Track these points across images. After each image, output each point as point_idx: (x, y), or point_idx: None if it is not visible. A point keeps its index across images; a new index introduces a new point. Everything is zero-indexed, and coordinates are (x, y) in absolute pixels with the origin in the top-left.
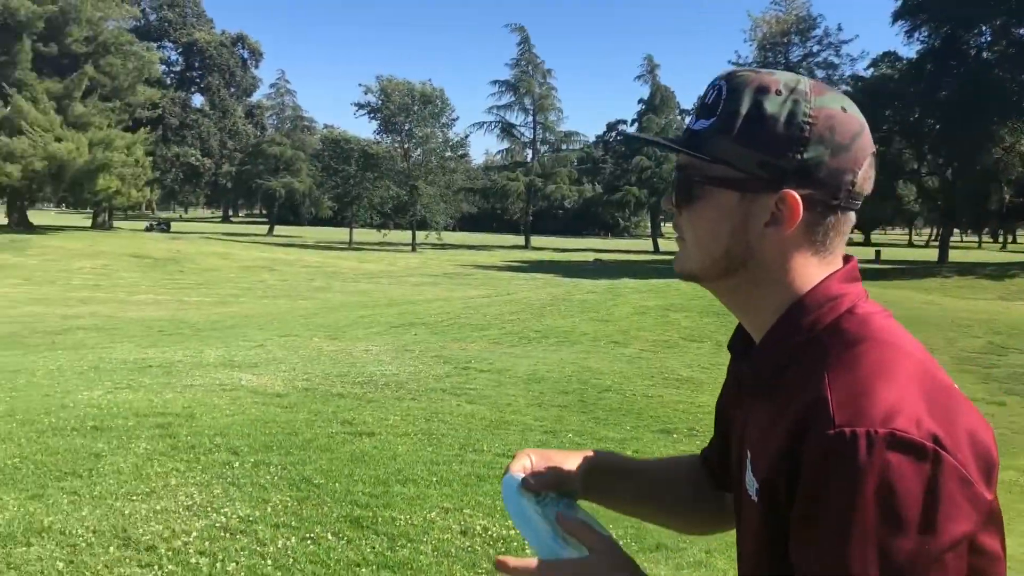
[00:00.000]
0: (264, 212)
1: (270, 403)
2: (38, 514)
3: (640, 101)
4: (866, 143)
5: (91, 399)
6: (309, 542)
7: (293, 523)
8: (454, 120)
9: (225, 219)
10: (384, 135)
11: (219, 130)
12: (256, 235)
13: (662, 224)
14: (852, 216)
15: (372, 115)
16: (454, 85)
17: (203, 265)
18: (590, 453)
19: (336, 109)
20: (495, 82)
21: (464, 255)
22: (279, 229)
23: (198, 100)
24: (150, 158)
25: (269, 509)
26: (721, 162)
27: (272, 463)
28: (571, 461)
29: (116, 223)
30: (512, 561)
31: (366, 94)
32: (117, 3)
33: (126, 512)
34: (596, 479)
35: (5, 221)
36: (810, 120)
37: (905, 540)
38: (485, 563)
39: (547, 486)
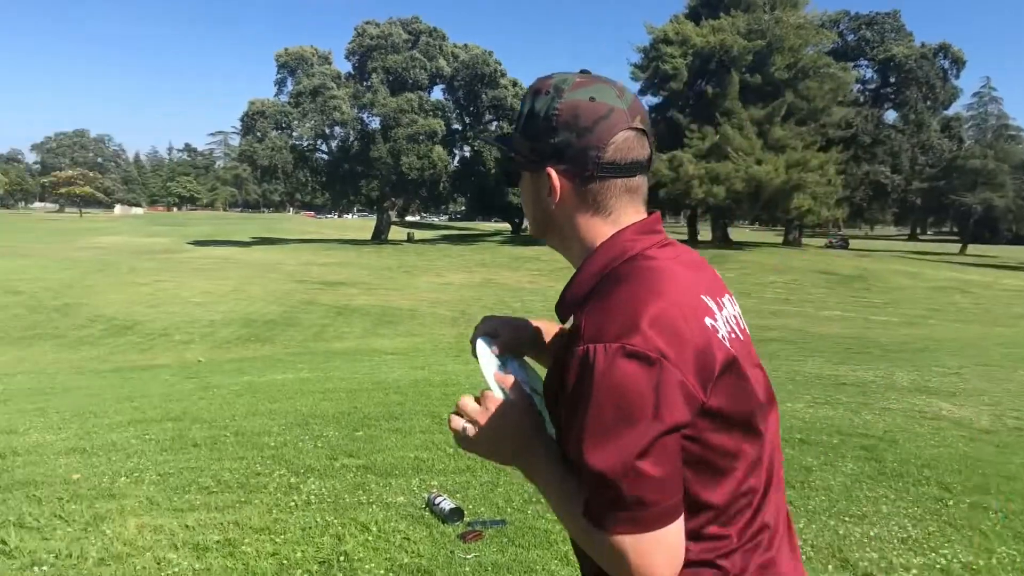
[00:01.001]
0: (956, 230)
1: (977, 439)
2: None
3: None
4: (615, 123)
5: (794, 411)
6: None
7: None
8: None
9: (912, 237)
10: None
11: (911, 145)
12: (946, 254)
13: None
14: (624, 182)
15: None
16: None
17: (890, 284)
18: (536, 324)
19: None
20: None
21: None
22: (972, 248)
23: (892, 116)
24: (841, 177)
25: (994, 560)
26: (515, 151)
27: (990, 508)
28: (522, 330)
29: (804, 240)
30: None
31: None
32: (816, 29)
33: (840, 532)
34: (536, 343)
35: (709, 237)
36: (556, 112)
37: (637, 425)
38: None
39: (504, 349)
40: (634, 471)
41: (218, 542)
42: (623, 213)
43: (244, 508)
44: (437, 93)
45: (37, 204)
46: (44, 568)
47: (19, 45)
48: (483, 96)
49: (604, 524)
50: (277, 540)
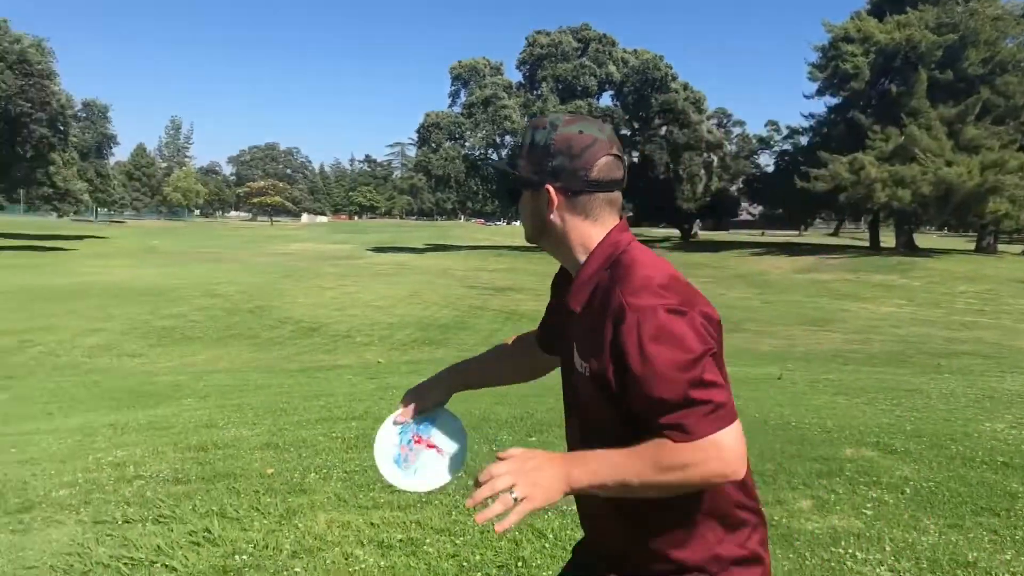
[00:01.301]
0: None
1: None
2: (960, 546)
3: None
4: (598, 150)
5: (994, 431)
6: None
7: None
8: None
9: None
10: None
11: None
12: None
13: None
14: (606, 195)
15: None
16: None
17: None
18: (450, 373)
19: None
20: None
21: None
22: None
23: None
24: None
25: None
26: (519, 173)
27: None
28: (435, 385)
29: (1000, 247)
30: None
31: None
32: (1016, 20)
33: None
34: (458, 387)
35: (893, 243)
36: (554, 142)
37: (692, 352)
38: None
39: (413, 412)
40: (706, 382)
41: (401, 541)
42: (606, 219)
43: (425, 508)
44: (606, 99)
45: (232, 213)
46: (244, 557)
47: (215, 65)
48: (652, 101)
49: (699, 431)
50: (457, 542)
